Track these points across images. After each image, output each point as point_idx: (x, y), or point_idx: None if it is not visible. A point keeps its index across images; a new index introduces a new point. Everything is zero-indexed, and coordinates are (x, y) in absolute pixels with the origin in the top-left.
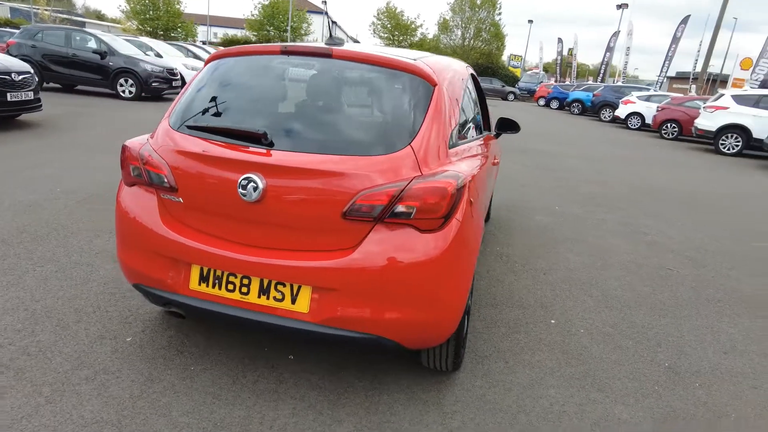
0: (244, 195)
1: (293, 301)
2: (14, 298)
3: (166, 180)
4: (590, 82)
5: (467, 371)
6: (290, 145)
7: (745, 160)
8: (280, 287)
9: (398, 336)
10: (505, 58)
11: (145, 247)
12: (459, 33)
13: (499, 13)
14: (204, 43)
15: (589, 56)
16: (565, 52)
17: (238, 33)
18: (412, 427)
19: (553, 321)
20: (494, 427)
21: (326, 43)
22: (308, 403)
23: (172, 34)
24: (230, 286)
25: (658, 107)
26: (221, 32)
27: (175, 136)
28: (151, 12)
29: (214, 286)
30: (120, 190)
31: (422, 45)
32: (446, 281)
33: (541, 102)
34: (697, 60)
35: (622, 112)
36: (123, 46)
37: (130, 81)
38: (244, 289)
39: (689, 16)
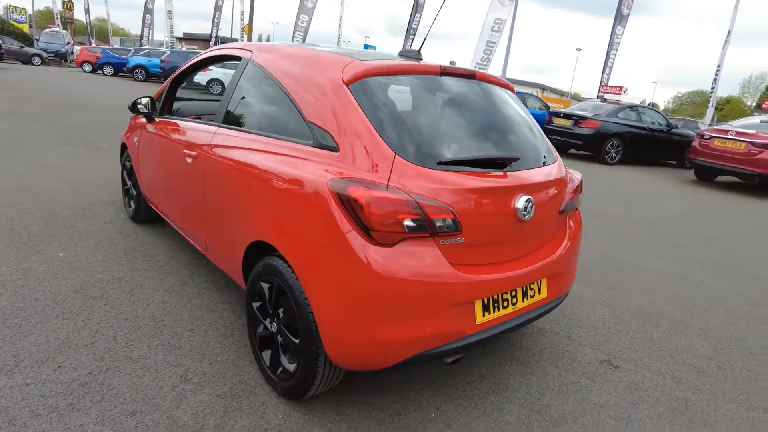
0: (525, 215)
1: (539, 292)
2: None
3: (454, 223)
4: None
5: (580, 316)
6: (520, 163)
7: None
8: (532, 286)
9: (568, 291)
10: (1, 11)
11: (439, 305)
12: None
13: None
14: None
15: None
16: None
17: None
18: (589, 368)
19: None
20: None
21: (408, 55)
22: (537, 390)
23: None
24: (505, 303)
25: None
26: None
27: (435, 174)
28: None
29: (494, 311)
30: (367, 259)
31: None
32: None
33: (87, 68)
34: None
35: None
36: None
37: None
38: (514, 300)
39: None
